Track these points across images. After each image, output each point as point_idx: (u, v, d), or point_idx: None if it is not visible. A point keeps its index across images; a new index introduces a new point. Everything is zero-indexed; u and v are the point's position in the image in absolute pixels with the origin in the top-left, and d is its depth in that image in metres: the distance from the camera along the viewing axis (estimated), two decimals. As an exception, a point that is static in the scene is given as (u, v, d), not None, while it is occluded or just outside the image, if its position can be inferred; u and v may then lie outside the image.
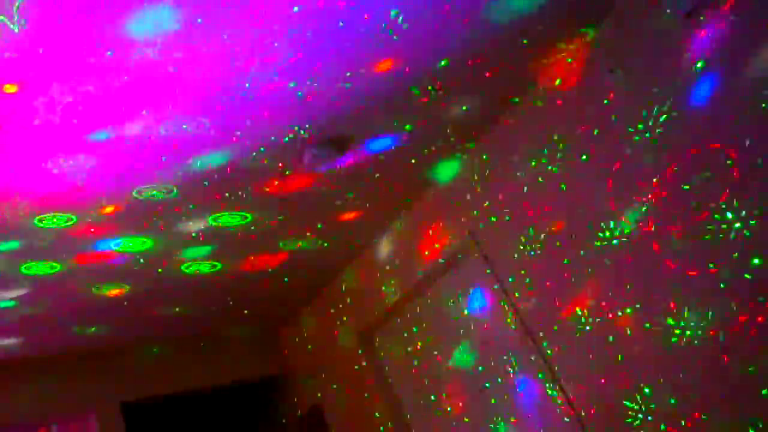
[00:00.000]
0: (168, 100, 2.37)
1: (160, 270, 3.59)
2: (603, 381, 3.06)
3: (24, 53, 1.95)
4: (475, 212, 3.68)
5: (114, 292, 3.64)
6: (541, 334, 3.35)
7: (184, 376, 4.69)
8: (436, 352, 4.03)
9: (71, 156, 2.45)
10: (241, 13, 2.11)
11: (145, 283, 3.67)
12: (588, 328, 3.13)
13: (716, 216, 2.65)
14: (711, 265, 2.67)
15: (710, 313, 2.67)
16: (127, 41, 2.06)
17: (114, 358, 4.47)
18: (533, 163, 3.36)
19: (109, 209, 2.86)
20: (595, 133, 3.08)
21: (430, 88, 2.85)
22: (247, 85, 2.44)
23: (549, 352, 3.31)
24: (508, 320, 3.55)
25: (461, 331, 3.85)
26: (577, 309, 3.18)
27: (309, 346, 4.99)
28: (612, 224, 3.03)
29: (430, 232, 3.96)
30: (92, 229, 2.97)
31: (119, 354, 4.50)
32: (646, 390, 2.89)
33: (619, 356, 2.99)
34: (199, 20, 2.08)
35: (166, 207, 3.01)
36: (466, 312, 3.83)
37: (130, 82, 2.22)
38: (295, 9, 2.18)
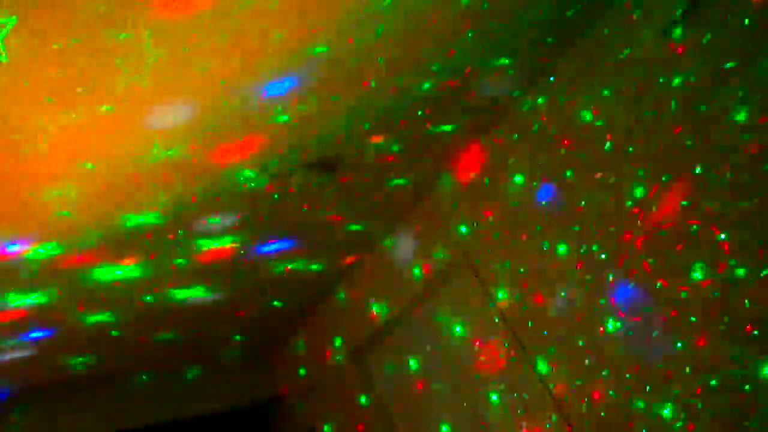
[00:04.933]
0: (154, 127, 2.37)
1: (149, 297, 3.56)
2: (597, 396, 3.05)
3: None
4: (465, 229, 3.69)
5: (102, 320, 3.60)
6: (534, 351, 3.35)
7: (175, 403, 4.63)
8: (429, 372, 4.00)
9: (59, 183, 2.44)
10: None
11: (133, 311, 3.63)
12: (581, 343, 3.13)
13: (704, 230, 2.68)
14: (698, 275, 2.69)
15: (703, 325, 2.69)
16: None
17: (105, 386, 4.41)
18: (519, 180, 3.39)
19: (96, 237, 2.84)
20: (581, 149, 3.12)
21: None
22: (235, 108, 2.45)
23: (542, 369, 3.30)
24: (500, 337, 3.54)
25: (454, 349, 3.83)
26: (571, 326, 3.18)
27: (301, 369, 4.95)
28: (601, 239, 3.05)
29: (421, 249, 3.96)
30: (80, 259, 2.95)
31: (110, 382, 4.44)
32: (640, 404, 2.88)
33: (613, 371, 2.99)
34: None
35: (154, 233, 3.00)
36: (458, 330, 3.82)
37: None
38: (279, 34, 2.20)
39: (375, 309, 4.28)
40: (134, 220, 2.83)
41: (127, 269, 3.19)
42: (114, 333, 3.80)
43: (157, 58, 2.05)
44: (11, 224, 2.54)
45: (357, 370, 4.44)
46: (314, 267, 4.08)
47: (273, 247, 3.60)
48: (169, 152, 2.51)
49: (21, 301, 3.09)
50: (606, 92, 3.01)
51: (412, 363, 4.11)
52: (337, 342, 4.58)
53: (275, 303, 4.35)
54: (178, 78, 2.17)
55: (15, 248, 2.68)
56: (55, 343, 3.64)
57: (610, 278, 3.00)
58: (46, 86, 1.98)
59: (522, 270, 3.39)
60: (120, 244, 2.96)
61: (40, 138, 2.16)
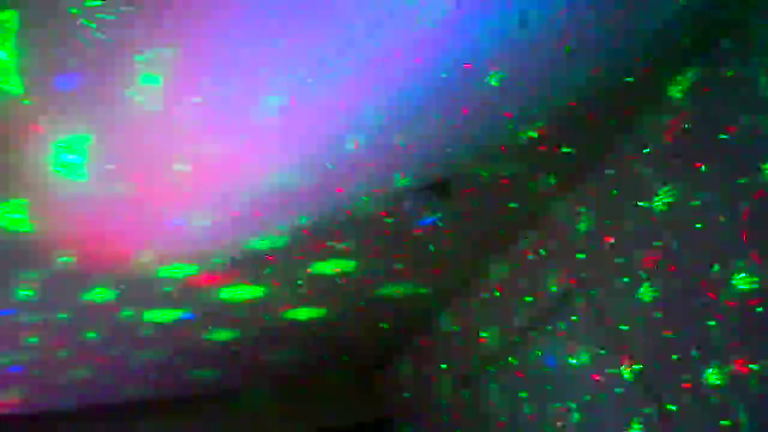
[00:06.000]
0: (277, 156, 2.51)
1: (266, 316, 3.72)
2: (734, 440, 2.79)
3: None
4: (580, 255, 3.55)
5: (226, 337, 3.81)
6: (656, 383, 3.12)
7: (282, 420, 4.77)
8: (541, 404, 3.85)
9: (192, 211, 2.63)
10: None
11: (252, 329, 3.81)
12: (711, 380, 2.89)
13: None
14: None
15: None
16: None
17: (218, 402, 4.63)
18: (635, 203, 3.22)
19: (224, 259, 3.03)
20: (708, 173, 2.91)
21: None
22: (350, 135, 2.54)
23: (668, 405, 3.07)
24: (621, 371, 3.34)
25: (568, 381, 3.66)
26: (700, 361, 2.94)
27: (406, 393, 4.93)
28: (734, 269, 2.81)
29: (534, 276, 3.85)
30: (209, 279, 3.15)
31: (223, 398, 4.66)
32: (787, 451, 2.60)
33: (744, 412, 2.73)
34: (309, 80, 2.21)
35: (275, 256, 3.14)
36: (573, 361, 3.65)
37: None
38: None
39: (484, 335, 4.20)
40: (258, 243, 2.99)
41: (249, 289, 3.36)
42: (233, 350, 4.00)
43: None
44: (155, 247, 2.77)
45: (464, 398, 4.36)
46: (422, 291, 4.08)
47: (383, 270, 3.65)
48: (291, 179, 2.63)
49: (156, 317, 3.34)
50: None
51: (522, 394, 3.98)
52: (444, 368, 4.53)
53: (383, 325, 4.39)
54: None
55: (158, 268, 2.92)
56: (180, 356, 3.89)
57: (749, 313, 2.75)
58: (194, 119, 2.16)
59: (641, 298, 3.20)
60: (245, 265, 3.13)
61: (183, 167, 2.35)
